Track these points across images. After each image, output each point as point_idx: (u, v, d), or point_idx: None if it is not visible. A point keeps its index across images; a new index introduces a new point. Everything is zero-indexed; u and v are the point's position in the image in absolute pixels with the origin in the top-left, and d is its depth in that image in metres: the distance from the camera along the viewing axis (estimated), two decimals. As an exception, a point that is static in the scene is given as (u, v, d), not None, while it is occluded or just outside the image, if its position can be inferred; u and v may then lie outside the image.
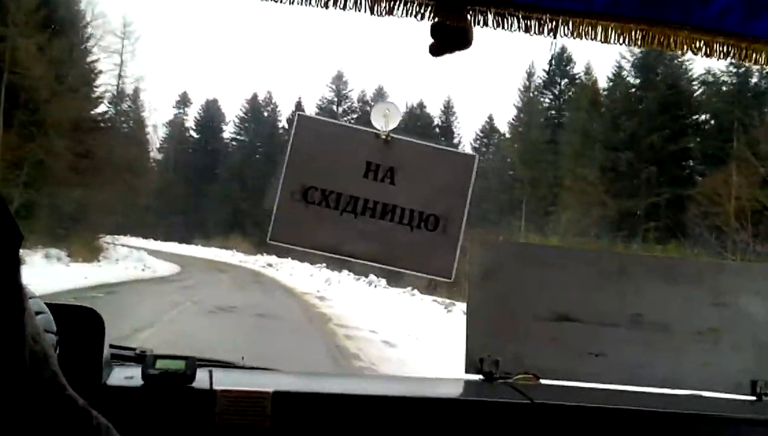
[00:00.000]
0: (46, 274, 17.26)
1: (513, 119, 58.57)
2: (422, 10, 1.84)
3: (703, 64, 40.56)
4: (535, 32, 1.89)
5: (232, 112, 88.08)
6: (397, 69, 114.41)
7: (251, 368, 2.00)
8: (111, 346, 1.84)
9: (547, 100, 57.77)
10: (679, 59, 38.42)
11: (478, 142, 65.81)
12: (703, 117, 43.01)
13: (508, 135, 60.58)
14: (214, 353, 2.24)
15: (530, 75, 57.35)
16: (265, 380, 1.81)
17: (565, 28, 1.87)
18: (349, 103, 70.88)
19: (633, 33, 1.83)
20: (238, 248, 53.05)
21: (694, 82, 42.88)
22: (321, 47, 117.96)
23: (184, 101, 78.05)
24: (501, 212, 46.35)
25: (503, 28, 1.89)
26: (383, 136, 1.94)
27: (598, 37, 1.86)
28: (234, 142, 76.21)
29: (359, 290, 25.93)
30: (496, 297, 1.99)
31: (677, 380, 1.97)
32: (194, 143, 76.67)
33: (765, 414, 1.88)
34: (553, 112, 56.87)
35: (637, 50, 39.40)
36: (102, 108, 41.03)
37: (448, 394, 1.88)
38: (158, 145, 71.58)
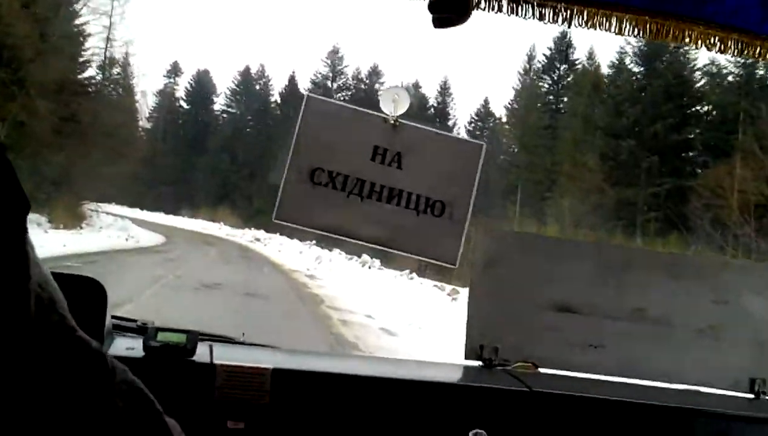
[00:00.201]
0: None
1: (510, 102, 58.52)
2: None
3: (707, 55, 40.51)
4: (549, 21, 1.92)
5: (224, 84, 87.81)
6: (394, 46, 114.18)
7: (251, 344, 2.03)
8: (113, 317, 1.86)
9: (545, 85, 57.63)
10: (684, 48, 38.29)
11: (473, 125, 65.74)
12: (707, 108, 42.86)
13: (504, 119, 60.53)
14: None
15: (531, 58, 57.21)
16: (265, 356, 1.84)
17: (580, 18, 1.89)
18: (344, 79, 70.54)
19: (647, 26, 1.85)
20: (226, 221, 53.03)
21: (698, 73, 42.81)
22: (316, 20, 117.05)
23: (174, 71, 77.54)
24: (495, 197, 46.37)
25: (517, 15, 1.92)
26: (392, 121, 1.97)
27: (612, 29, 1.89)
28: (225, 115, 75.85)
29: (352, 270, 25.26)
30: (499, 285, 2.02)
31: (676, 375, 2.01)
32: (184, 114, 76.25)
33: (762, 412, 1.92)
34: (551, 97, 56.76)
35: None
36: (90, 72, 40.60)
37: (446, 378, 1.92)
38: (147, 114, 71.25)
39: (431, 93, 67.93)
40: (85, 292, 1.70)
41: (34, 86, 27.46)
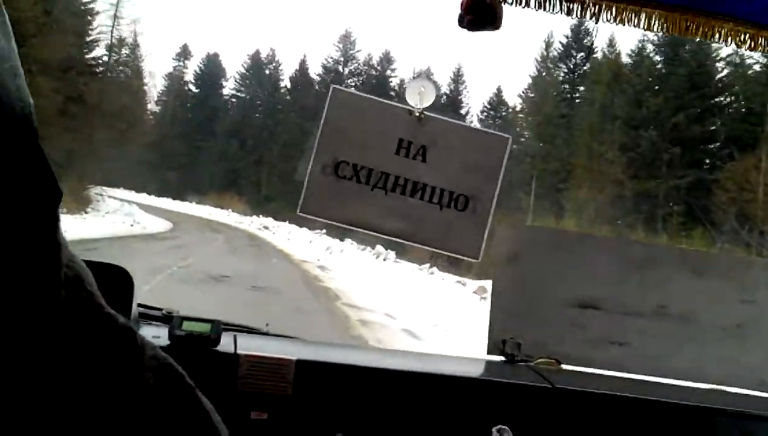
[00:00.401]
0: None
1: (525, 90, 58.29)
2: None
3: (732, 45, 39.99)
4: (577, 16, 1.94)
5: (233, 68, 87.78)
6: (407, 31, 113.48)
7: (275, 335, 2.07)
8: (138, 305, 1.90)
9: (561, 73, 57.34)
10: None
11: (485, 114, 65.56)
12: (731, 98, 42.41)
13: (518, 107, 60.32)
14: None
15: (548, 45, 56.84)
16: (289, 347, 1.87)
17: (608, 13, 1.91)
18: (355, 65, 70.38)
19: (677, 22, 1.87)
20: (234, 207, 53.11)
21: (720, 63, 42.43)
22: (329, 3, 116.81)
23: (184, 54, 77.78)
24: (509, 187, 46.21)
25: (545, 9, 1.94)
26: (417, 114, 2.00)
27: (641, 24, 1.91)
28: (234, 100, 75.94)
29: (365, 262, 24.23)
30: (522, 281, 2.05)
31: (699, 373, 2.03)
32: (193, 97, 76.43)
33: None
34: (566, 86, 56.50)
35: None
36: (98, 52, 40.64)
37: (468, 373, 1.94)
38: (156, 98, 71.48)
39: (444, 81, 67.72)
40: (111, 279, 1.73)
41: (36, 63, 27.30)
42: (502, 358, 2.02)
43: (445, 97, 65.52)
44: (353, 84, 68.18)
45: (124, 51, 45.63)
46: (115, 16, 42.25)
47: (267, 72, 74.33)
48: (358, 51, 70.43)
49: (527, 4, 1.91)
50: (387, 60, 69.27)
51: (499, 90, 66.56)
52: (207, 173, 67.85)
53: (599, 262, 2.09)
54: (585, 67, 55.03)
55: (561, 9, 1.92)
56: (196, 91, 76.61)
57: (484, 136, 2.09)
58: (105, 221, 28.16)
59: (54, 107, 28.80)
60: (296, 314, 11.70)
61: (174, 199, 57.04)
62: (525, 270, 2.06)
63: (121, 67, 45.36)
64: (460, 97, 66.68)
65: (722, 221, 30.70)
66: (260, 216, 46.15)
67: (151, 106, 68.27)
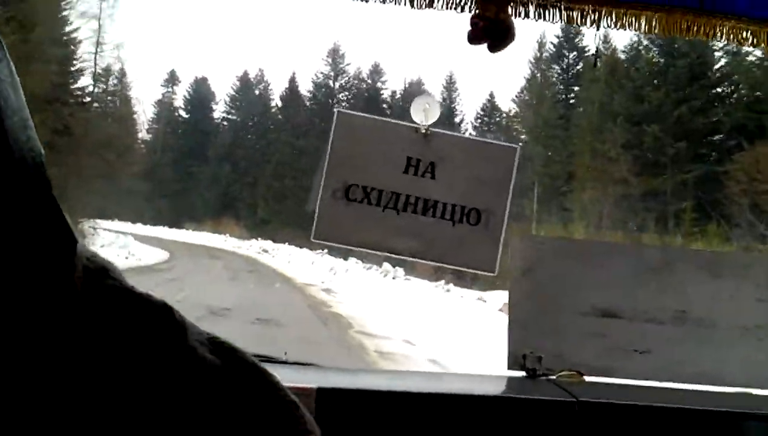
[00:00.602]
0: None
1: (518, 94, 58.52)
2: (462, 2, 1.92)
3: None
4: (577, 23, 1.98)
5: (223, 90, 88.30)
6: (395, 42, 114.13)
7: (294, 363, 2.08)
8: None
9: (554, 74, 57.56)
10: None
11: (479, 120, 65.84)
12: (731, 88, 42.41)
13: (513, 111, 60.48)
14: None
15: (541, 45, 57.09)
16: (309, 375, 1.88)
17: (608, 19, 1.95)
18: (346, 78, 70.68)
19: (678, 23, 1.91)
20: (231, 232, 53.24)
21: (718, 52, 42.47)
22: (314, 19, 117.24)
23: (172, 80, 78.40)
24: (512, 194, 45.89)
25: (544, 19, 1.98)
26: (423, 131, 2.03)
27: (642, 28, 1.95)
28: (225, 123, 76.38)
29: (373, 281, 23.40)
30: (538, 293, 2.07)
31: (722, 377, 2.05)
32: (183, 123, 76.84)
33: None
34: (560, 87, 56.73)
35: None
36: (83, 82, 40.77)
37: (490, 391, 1.96)
38: (147, 126, 71.94)
39: (437, 89, 67.99)
40: None
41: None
42: (524, 373, 2.04)
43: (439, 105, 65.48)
44: (345, 98, 68.65)
45: (112, 80, 45.77)
46: (98, 42, 42.35)
47: (257, 92, 74.82)
48: (347, 64, 70.83)
49: (527, 16, 1.96)
50: (377, 72, 69.60)
51: (492, 95, 66.83)
52: (201, 199, 68.14)
53: (615, 269, 2.11)
54: (578, 67, 55.21)
55: (561, 18, 1.97)
56: (187, 116, 77.01)
57: (491, 148, 2.13)
58: (98, 254, 27.94)
59: (40, 140, 28.64)
60: (307, 348, 11.11)
61: (170, 227, 57.15)
62: (540, 282, 2.08)
63: (109, 97, 45.48)
64: (453, 106, 66.92)
65: (737, 214, 30.57)
66: (258, 239, 46.26)
67: (142, 135, 68.80)
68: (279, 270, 29.28)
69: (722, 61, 42.34)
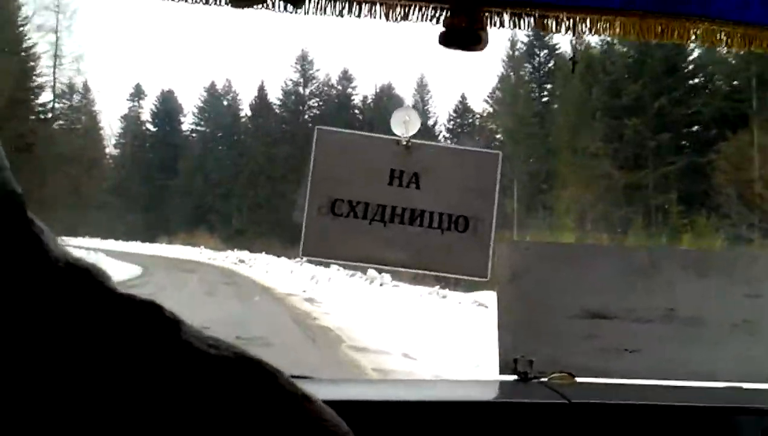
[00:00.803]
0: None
1: (490, 94, 58.85)
2: (437, 14, 1.98)
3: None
4: (552, 31, 2.04)
5: (190, 102, 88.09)
6: (364, 47, 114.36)
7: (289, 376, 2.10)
8: None
9: (527, 73, 57.99)
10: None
11: (452, 122, 66.22)
12: (706, 78, 42.78)
13: (486, 111, 60.77)
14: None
15: (513, 44, 57.49)
16: (305, 388, 1.91)
17: (583, 25, 2.02)
18: (316, 84, 70.71)
19: (652, 27, 1.98)
20: (206, 244, 52.98)
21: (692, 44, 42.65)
22: (280, 26, 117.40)
23: (137, 93, 78.08)
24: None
25: (519, 28, 2.05)
26: (404, 143, 2.09)
27: (617, 33, 2.01)
28: (194, 135, 76.33)
29: (358, 289, 22.25)
30: (527, 297, 2.13)
31: (714, 373, 2.11)
32: (151, 137, 76.63)
33: None
34: (533, 85, 57.17)
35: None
36: (44, 97, 40.43)
37: (483, 396, 2.01)
38: (114, 141, 71.71)
39: (408, 93, 68.30)
40: None
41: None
42: (515, 377, 2.09)
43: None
44: (315, 105, 68.68)
45: (76, 96, 45.43)
46: (56, 55, 41.98)
47: (225, 103, 74.70)
48: (317, 70, 70.88)
49: (501, 25, 2.02)
50: (347, 78, 69.74)
51: (463, 97, 67.02)
52: (174, 212, 67.91)
53: (602, 271, 2.18)
54: (550, 65, 55.71)
55: (536, 25, 2.04)
56: (154, 129, 76.85)
57: (473, 155, 2.19)
58: (68, 273, 27.58)
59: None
60: (296, 369, 9.31)
61: (143, 242, 56.78)
62: (528, 286, 2.14)
63: (74, 114, 45.13)
64: (426, 108, 67.19)
65: (725, 205, 30.77)
66: (234, 250, 46.08)
67: (110, 150, 68.58)
68: (258, 281, 28.92)
69: (695, 53, 42.76)
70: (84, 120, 46.46)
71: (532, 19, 2.03)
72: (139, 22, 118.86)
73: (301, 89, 70.38)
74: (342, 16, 1.98)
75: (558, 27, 2.02)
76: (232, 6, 1.80)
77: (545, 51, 57.20)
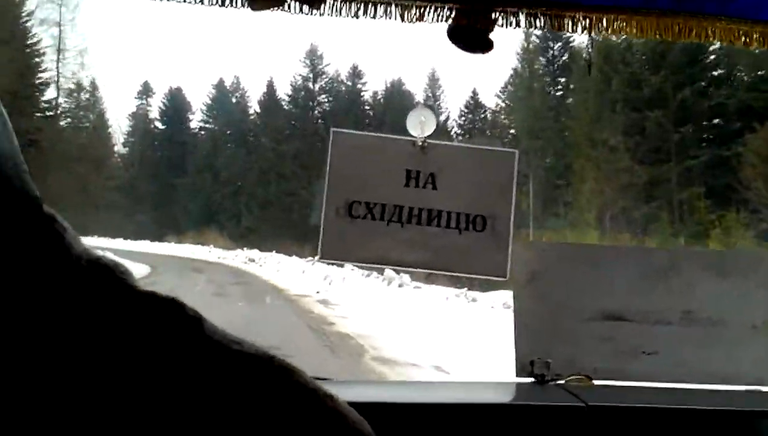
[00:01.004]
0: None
1: (503, 88, 58.85)
2: (452, 14, 2.02)
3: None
4: (568, 30, 2.07)
5: (199, 100, 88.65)
6: (374, 41, 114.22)
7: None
8: None
9: (540, 66, 57.83)
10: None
11: (463, 118, 66.24)
12: (729, 69, 42.39)
13: (499, 106, 60.74)
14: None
15: (528, 36, 57.34)
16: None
17: (600, 25, 2.05)
18: (326, 80, 70.74)
19: (670, 26, 2.00)
20: (215, 243, 53.12)
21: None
22: (289, 21, 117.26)
23: (146, 91, 78.80)
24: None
25: (535, 27, 2.08)
26: (420, 143, 2.13)
27: (634, 32, 2.04)
28: (202, 132, 76.70)
29: (375, 290, 21.30)
30: (544, 298, 2.16)
31: (733, 375, 2.13)
32: (160, 135, 77.06)
33: None
34: (548, 78, 56.99)
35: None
36: (48, 94, 40.52)
37: (499, 399, 2.03)
38: (122, 139, 72.21)
39: (419, 88, 68.37)
40: None
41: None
42: (532, 379, 2.12)
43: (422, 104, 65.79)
44: (325, 100, 68.73)
45: (83, 94, 45.53)
46: (59, 49, 42.01)
47: (234, 99, 74.94)
48: (327, 65, 70.93)
49: (517, 25, 2.05)
50: (357, 74, 69.81)
51: (474, 92, 66.97)
52: (183, 211, 68.19)
53: (620, 272, 2.20)
54: (564, 58, 55.48)
55: (552, 25, 2.06)
56: (163, 127, 77.23)
57: (489, 154, 2.23)
58: (76, 273, 27.65)
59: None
60: None
61: (152, 241, 56.99)
62: (545, 288, 2.16)
63: (81, 113, 45.22)
64: (438, 103, 67.19)
65: (754, 199, 30.38)
66: (244, 249, 46.12)
67: (118, 148, 68.93)
68: (269, 281, 28.48)
69: (717, 44, 42.13)
70: (92, 118, 46.56)
71: (548, 19, 2.05)
72: (145, 18, 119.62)
73: (310, 85, 70.49)
74: (357, 17, 2.02)
75: (574, 27, 2.04)
76: (250, 9, 1.84)
77: (559, 44, 57.00)
